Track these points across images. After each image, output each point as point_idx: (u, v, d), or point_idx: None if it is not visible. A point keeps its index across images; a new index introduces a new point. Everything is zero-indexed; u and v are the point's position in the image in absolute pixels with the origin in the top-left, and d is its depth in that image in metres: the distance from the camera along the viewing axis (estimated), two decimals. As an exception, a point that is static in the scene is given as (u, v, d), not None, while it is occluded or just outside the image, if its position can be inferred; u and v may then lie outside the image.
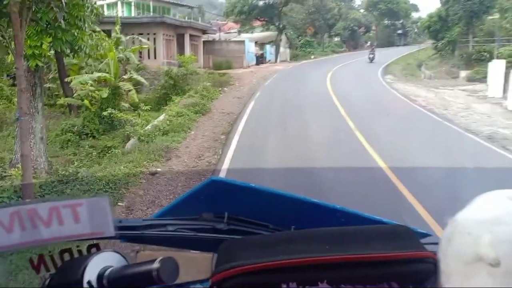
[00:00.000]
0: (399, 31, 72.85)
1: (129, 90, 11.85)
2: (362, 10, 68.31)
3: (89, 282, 0.65)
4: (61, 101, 12.31)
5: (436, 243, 0.69)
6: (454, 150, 8.57)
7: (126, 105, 12.74)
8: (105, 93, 10.76)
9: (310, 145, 7.78)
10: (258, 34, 38.69)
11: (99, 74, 11.01)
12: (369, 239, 0.68)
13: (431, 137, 9.82)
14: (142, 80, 14.88)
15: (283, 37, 38.16)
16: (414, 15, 76.17)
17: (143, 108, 11.50)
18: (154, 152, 7.60)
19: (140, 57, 25.88)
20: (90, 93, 11.81)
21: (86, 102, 11.21)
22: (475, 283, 0.59)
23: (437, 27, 30.16)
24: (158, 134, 9.03)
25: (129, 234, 0.88)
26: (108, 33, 19.67)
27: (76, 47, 7.23)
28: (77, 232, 0.70)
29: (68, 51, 7.31)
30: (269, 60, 34.22)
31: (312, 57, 40.70)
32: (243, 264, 0.63)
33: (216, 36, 39.39)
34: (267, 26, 39.81)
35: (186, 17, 29.12)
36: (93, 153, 8.75)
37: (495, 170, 6.03)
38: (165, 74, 16.81)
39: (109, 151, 8.37)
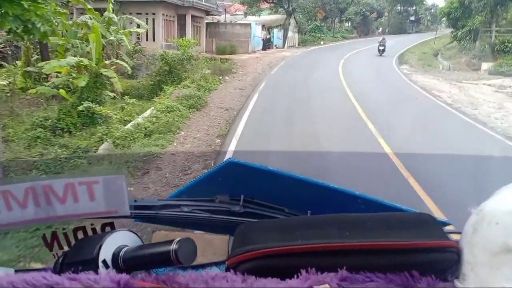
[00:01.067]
0: (412, 18, 70.43)
1: (111, 77, 10.22)
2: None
3: (104, 261, 0.64)
4: (33, 90, 10.71)
5: (458, 232, 0.67)
6: (500, 167, 6.88)
7: (112, 94, 11.12)
8: (83, 81, 9.16)
9: (325, 161, 6.13)
10: (266, 17, 36.61)
11: (76, 59, 9.39)
12: (391, 226, 0.66)
13: (468, 146, 8.17)
14: (125, 65, 13.18)
15: (292, 21, 36.08)
16: (428, 1, 73.76)
17: (128, 100, 9.88)
18: (128, 163, 6.03)
19: (138, 38, 24.17)
20: (68, 81, 10.20)
21: (62, 92, 9.61)
22: (502, 273, 0.57)
23: (457, 15, 28.04)
24: (139, 136, 7.47)
25: (144, 214, 0.86)
26: (101, 12, 18.10)
27: (30, 25, 5.61)
28: (92, 210, 0.69)
29: (20, 29, 5.69)
30: (276, 46, 32.24)
31: (322, 43, 38.67)
32: (260, 248, 0.62)
33: (222, 18, 37.44)
34: (275, 8, 37.65)
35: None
36: (62, 156, 7.19)
37: None
38: (160, 58, 15.09)
39: (77, 157, 6.80)
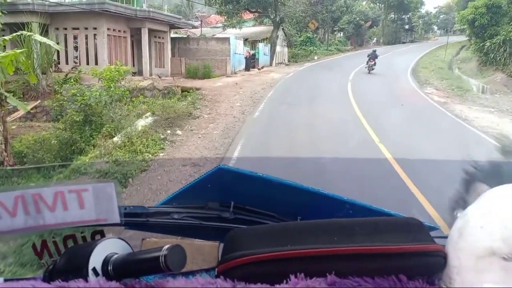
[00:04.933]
0: (406, 27, 66.04)
1: None
2: (364, 2, 60.88)
3: (94, 269, 0.63)
4: None
5: (444, 237, 0.69)
6: None
7: None
8: None
9: None
10: (249, 29, 30.89)
11: None
12: (379, 231, 0.67)
13: None
14: (15, 103, 7.32)
15: (280, 33, 30.36)
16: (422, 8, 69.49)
17: None
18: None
19: (75, 62, 18.11)
20: None
21: None
22: (487, 277, 0.58)
23: (484, 22, 22.62)
24: None
25: (134, 221, 0.86)
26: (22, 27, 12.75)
27: None
28: (82, 218, 0.69)
29: None
30: (262, 67, 26.28)
31: (316, 57, 33.03)
32: (250, 254, 0.63)
33: (198, 32, 31.60)
34: (260, 19, 32.00)
35: (147, 7, 21.17)
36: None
37: None
38: (72, 99, 9.16)
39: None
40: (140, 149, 7.32)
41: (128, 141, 7.66)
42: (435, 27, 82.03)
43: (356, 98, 14.37)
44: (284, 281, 0.60)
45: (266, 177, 0.87)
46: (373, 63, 22.47)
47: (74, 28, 17.54)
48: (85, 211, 0.70)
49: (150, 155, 7.15)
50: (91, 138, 9.08)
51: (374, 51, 23.35)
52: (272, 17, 28.74)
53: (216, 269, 0.68)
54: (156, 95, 15.32)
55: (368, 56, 22.93)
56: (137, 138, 7.65)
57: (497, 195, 0.65)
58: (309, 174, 5.18)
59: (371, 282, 0.61)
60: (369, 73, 22.32)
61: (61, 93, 10.32)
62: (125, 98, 9.61)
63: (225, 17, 28.79)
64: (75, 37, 17.85)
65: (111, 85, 9.41)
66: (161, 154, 7.31)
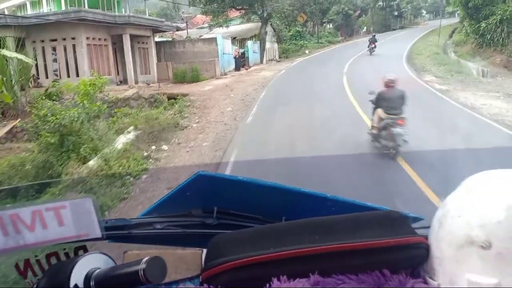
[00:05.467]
0: (395, 13, 65.30)
1: None
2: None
3: (76, 286, 0.63)
4: None
5: (428, 227, 0.68)
6: None
7: None
8: None
9: None
10: (236, 27, 30.01)
11: None
12: (360, 226, 0.66)
13: None
14: None
15: (269, 29, 29.48)
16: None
17: None
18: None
19: (56, 75, 17.20)
20: None
21: None
22: (467, 266, 0.58)
23: (478, 2, 21.85)
24: None
25: (116, 234, 0.85)
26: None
27: None
28: (62, 235, 0.69)
29: None
30: (249, 66, 25.34)
31: (307, 52, 32.17)
32: (232, 260, 0.62)
33: (185, 34, 30.68)
34: (247, 16, 31.08)
35: (128, 13, 20.27)
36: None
37: None
38: (41, 120, 8.34)
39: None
40: (119, 172, 6.48)
41: (105, 165, 6.81)
42: (424, 12, 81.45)
43: (353, 92, 13.55)
44: (267, 285, 0.59)
45: (247, 180, 0.86)
46: (373, 46, 25.94)
47: (52, 40, 16.69)
48: (65, 227, 0.69)
49: (131, 178, 6.32)
50: (69, 161, 8.23)
51: (374, 35, 27.81)
52: (259, 13, 27.86)
53: (200, 277, 0.67)
54: (142, 105, 14.47)
55: (369, 40, 26.83)
56: (115, 160, 6.79)
57: (474, 183, 0.64)
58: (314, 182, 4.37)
59: (355, 279, 0.61)
60: (370, 54, 25.65)
61: (35, 113, 9.45)
62: (102, 113, 8.74)
63: (211, 16, 27.86)
64: (53, 49, 16.97)
65: (86, 100, 8.52)
66: (144, 176, 6.48)
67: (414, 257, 0.65)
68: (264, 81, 17.10)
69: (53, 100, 13.08)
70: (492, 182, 0.63)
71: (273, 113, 10.71)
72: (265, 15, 27.60)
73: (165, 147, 7.92)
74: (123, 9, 20.67)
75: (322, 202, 0.90)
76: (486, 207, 0.59)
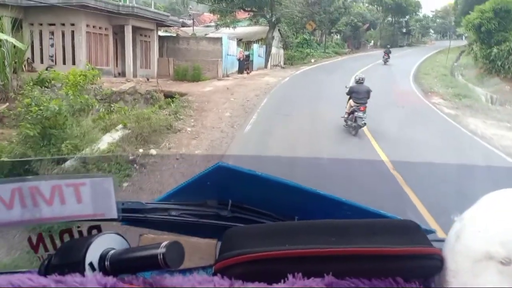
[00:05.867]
0: (403, 30, 65.10)
1: None
2: (363, 4, 59.67)
3: (91, 264, 0.63)
4: None
5: (440, 240, 0.69)
6: None
7: None
8: None
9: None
10: (244, 29, 29.41)
11: None
12: (376, 232, 0.67)
13: None
14: None
15: (276, 34, 28.91)
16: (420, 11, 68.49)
17: None
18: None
19: (52, 60, 16.50)
20: None
21: None
22: (484, 281, 0.58)
23: (491, 27, 21.39)
24: None
25: (131, 217, 0.85)
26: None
27: None
28: (79, 212, 0.69)
29: None
30: (250, 71, 24.67)
31: (313, 60, 31.63)
32: (247, 252, 0.63)
33: (190, 30, 30.06)
34: (255, 19, 30.50)
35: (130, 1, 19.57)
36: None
37: None
38: (25, 109, 7.69)
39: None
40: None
41: (83, 167, 6.14)
42: (432, 31, 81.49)
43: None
44: (282, 281, 0.60)
45: (265, 176, 0.86)
46: (387, 57, 29.94)
47: (50, 24, 15.96)
48: (82, 205, 0.69)
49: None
50: (50, 153, 7.55)
51: (389, 47, 32.37)
52: (268, 17, 27.28)
53: (213, 267, 0.68)
54: (137, 100, 13.80)
55: (384, 52, 30.76)
56: (94, 164, 6.12)
57: (495, 200, 0.65)
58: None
59: (368, 284, 0.61)
60: (384, 64, 29.27)
61: (20, 100, 8.79)
62: (90, 107, 8.07)
63: (218, 15, 27.25)
64: (51, 34, 16.26)
65: (71, 92, 7.85)
66: (125, 184, 5.80)
67: (428, 268, 0.65)
68: (267, 87, 16.48)
69: (46, 87, 12.42)
70: None
71: (273, 124, 10.07)
72: (273, 20, 27.03)
73: (153, 151, 7.25)
74: (128, 0, 20.00)
75: (337, 205, 0.90)
76: (507, 224, 0.59)
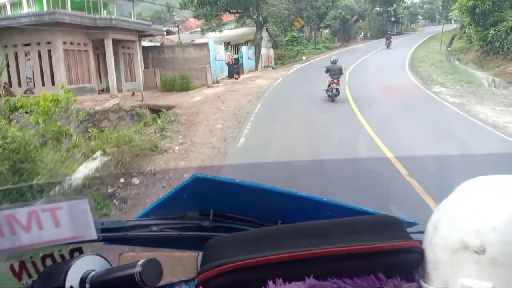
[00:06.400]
0: (392, 19, 64.46)
1: None
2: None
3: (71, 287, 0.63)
4: None
5: (422, 232, 0.68)
6: None
7: None
8: None
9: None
10: (230, 31, 28.58)
11: None
12: (356, 230, 0.67)
13: None
14: None
15: (264, 33, 28.08)
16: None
17: None
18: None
19: (30, 83, 15.61)
20: None
21: None
22: (461, 271, 0.59)
23: (485, 8, 20.64)
24: None
25: (112, 236, 0.84)
26: None
27: None
28: (58, 236, 0.69)
29: None
30: (238, 76, 23.73)
31: (304, 58, 30.82)
32: (228, 262, 0.63)
33: (176, 38, 29.23)
34: (241, 20, 29.68)
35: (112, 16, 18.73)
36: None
37: None
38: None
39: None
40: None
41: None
42: (420, 18, 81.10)
43: (359, 106, 12.13)
44: (263, 287, 0.60)
45: (244, 183, 0.86)
46: (389, 42, 33.17)
47: (25, 44, 15.09)
48: (61, 229, 0.69)
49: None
50: (19, 195, 6.69)
51: (389, 34, 36.67)
52: (254, 17, 26.46)
53: (196, 280, 0.67)
54: (123, 118, 12.94)
55: (385, 38, 34.43)
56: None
57: (469, 188, 0.64)
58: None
59: (350, 283, 0.61)
60: (387, 48, 32.39)
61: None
62: (64, 135, 7.21)
63: (203, 20, 26.40)
64: (27, 55, 15.39)
65: (41, 119, 7.01)
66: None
67: (409, 262, 0.65)
68: (259, 91, 15.62)
69: (26, 113, 11.54)
70: (487, 188, 0.63)
71: (269, 134, 9.22)
72: (260, 20, 26.21)
73: (136, 180, 6.36)
74: (107, 12, 19.14)
75: (318, 206, 0.91)
76: (481, 213, 0.59)
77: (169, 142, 8.66)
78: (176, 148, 8.21)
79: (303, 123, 10.05)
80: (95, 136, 7.73)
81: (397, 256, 0.63)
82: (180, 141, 8.86)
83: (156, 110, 12.51)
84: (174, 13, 32.91)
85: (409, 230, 0.73)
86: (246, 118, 10.86)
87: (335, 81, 12.79)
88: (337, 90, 12.87)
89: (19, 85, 15.39)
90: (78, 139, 7.63)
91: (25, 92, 14.71)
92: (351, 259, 0.62)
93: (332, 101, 12.73)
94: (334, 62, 13.53)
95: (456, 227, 0.60)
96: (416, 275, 0.66)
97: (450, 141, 8.09)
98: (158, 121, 10.39)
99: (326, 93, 13.09)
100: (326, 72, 13.24)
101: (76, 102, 10.75)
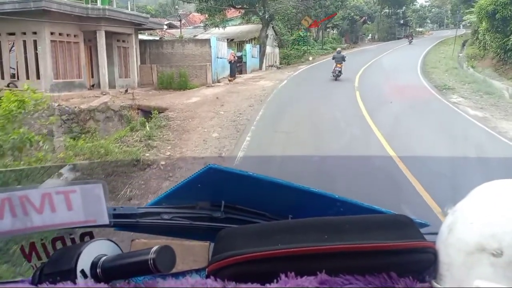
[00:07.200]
0: (401, 21, 63.10)
1: None
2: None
3: (82, 271, 0.63)
4: None
5: (434, 233, 0.68)
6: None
7: None
8: None
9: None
10: (235, 28, 27.30)
11: None
12: (369, 228, 0.67)
13: None
14: None
15: (270, 31, 26.79)
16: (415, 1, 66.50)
17: None
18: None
19: (14, 75, 14.41)
20: None
21: None
22: (477, 273, 0.58)
23: (507, 13, 19.36)
24: None
25: (123, 222, 0.84)
26: None
27: None
28: (70, 219, 0.68)
29: None
30: (233, 78, 22.49)
31: (311, 58, 29.52)
32: (240, 254, 0.62)
33: (178, 33, 27.94)
34: (247, 16, 28.37)
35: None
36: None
37: None
38: None
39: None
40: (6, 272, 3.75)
41: (4, 246, 4.07)
42: (428, 21, 79.87)
43: (373, 117, 10.89)
44: (275, 280, 0.60)
45: (256, 176, 0.85)
46: (411, 38, 38.40)
47: (9, 34, 13.86)
48: (73, 212, 0.68)
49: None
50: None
51: (410, 32, 40.26)
52: (260, 14, 25.16)
53: (207, 269, 0.67)
54: (111, 118, 11.72)
55: (406, 36, 40.19)
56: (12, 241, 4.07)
57: (486, 191, 0.64)
58: None
59: (361, 280, 0.61)
60: (409, 44, 36.37)
61: None
62: (29, 142, 6.01)
63: (207, 15, 25.11)
64: (11, 45, 14.17)
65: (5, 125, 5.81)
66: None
67: (422, 262, 0.64)
68: (263, 94, 14.37)
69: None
70: (504, 191, 0.62)
71: (271, 148, 7.99)
72: (266, 17, 24.92)
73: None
74: (108, 2, 17.87)
75: (330, 202, 0.90)
76: (498, 216, 0.59)
77: (155, 154, 7.44)
78: (162, 162, 6.98)
79: (312, 136, 8.82)
80: (66, 147, 6.50)
81: (410, 255, 0.62)
82: (169, 152, 7.64)
83: (147, 112, 11.29)
84: (177, 6, 31.57)
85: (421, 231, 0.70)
86: (246, 126, 9.61)
87: (338, 65, 17.25)
88: (339, 71, 17.17)
89: (2, 77, 14.19)
90: (46, 148, 6.42)
91: (8, 85, 13.52)
92: (363, 257, 0.61)
93: (336, 79, 17.08)
94: (338, 52, 18.22)
95: (473, 229, 0.59)
96: (427, 276, 0.65)
97: (485, 168, 6.87)
98: (147, 127, 9.17)
99: (332, 75, 17.32)
100: (333, 59, 17.77)
101: (62, 99, 9.52)
